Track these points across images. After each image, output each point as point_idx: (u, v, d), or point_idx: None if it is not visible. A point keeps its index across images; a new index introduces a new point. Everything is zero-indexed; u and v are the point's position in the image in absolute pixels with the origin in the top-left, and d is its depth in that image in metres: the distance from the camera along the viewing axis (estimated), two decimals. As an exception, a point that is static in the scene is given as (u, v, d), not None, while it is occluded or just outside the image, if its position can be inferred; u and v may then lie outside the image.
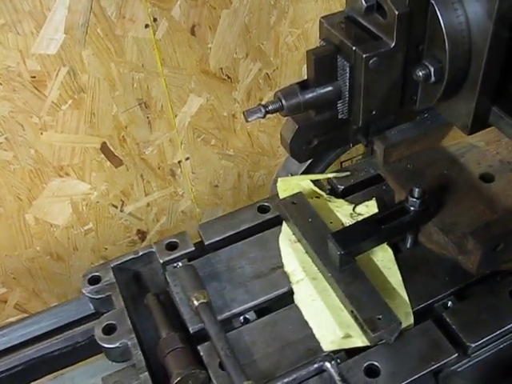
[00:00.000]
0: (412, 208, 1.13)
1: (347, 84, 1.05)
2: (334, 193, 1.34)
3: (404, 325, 1.06)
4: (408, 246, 1.22)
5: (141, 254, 1.23)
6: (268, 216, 1.29)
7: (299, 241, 1.21)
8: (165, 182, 1.97)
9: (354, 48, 0.99)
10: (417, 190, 1.11)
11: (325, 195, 1.32)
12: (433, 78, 0.99)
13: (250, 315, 1.14)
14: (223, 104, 1.88)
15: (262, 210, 1.31)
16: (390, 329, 1.03)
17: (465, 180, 1.23)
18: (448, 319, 1.08)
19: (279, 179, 1.35)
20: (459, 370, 1.07)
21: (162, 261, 1.20)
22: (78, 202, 1.84)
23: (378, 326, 1.02)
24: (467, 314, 1.09)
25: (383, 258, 1.18)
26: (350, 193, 1.34)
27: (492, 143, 1.30)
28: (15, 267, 1.87)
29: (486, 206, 1.17)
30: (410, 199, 1.12)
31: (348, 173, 1.37)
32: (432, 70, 0.99)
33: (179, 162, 1.95)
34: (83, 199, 1.84)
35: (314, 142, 1.17)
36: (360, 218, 1.24)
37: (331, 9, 1.89)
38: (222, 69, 1.80)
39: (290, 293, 1.15)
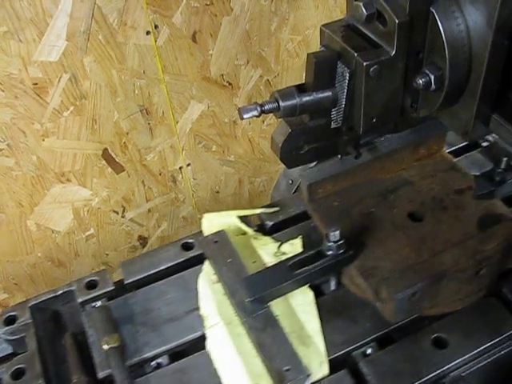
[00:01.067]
0: (329, 252, 1.07)
1: (344, 91, 1.05)
2: (262, 229, 1.29)
3: (318, 375, 1.01)
4: (331, 288, 1.16)
5: (60, 292, 1.18)
6: (191, 254, 1.23)
7: (219, 281, 1.16)
8: (166, 188, 1.98)
9: (355, 55, 0.99)
10: (332, 233, 1.05)
11: (251, 232, 1.25)
12: (433, 86, 1.00)
13: (164, 359, 1.09)
14: (224, 110, 1.88)
15: (186, 247, 1.26)
16: (297, 381, 0.99)
17: (392, 219, 1.15)
18: (364, 369, 1.02)
19: (204, 215, 1.29)
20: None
21: (80, 300, 1.16)
22: (80, 208, 1.84)
23: (286, 378, 0.98)
24: (385, 364, 1.03)
25: (303, 301, 1.12)
26: (280, 229, 1.28)
27: (427, 178, 1.24)
28: (16, 273, 1.88)
29: (412, 248, 1.09)
30: (326, 243, 1.06)
31: (277, 208, 1.31)
32: (432, 77, 0.99)
33: (180, 168, 1.95)
34: (84, 205, 1.84)
35: (304, 148, 1.16)
36: (284, 257, 1.17)
37: (332, 16, 1.90)
38: (223, 75, 1.80)
39: (204, 337, 1.10)
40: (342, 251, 1.06)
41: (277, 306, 1.09)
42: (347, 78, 1.03)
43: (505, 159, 1.19)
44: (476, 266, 1.03)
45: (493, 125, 1.05)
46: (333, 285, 1.16)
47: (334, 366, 1.03)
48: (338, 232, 1.05)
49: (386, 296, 1.00)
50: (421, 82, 1.00)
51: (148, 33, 1.59)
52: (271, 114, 1.06)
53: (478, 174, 1.25)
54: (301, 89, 1.06)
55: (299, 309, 1.11)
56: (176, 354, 1.10)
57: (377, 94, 1.04)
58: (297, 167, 1.22)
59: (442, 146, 1.31)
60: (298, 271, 1.06)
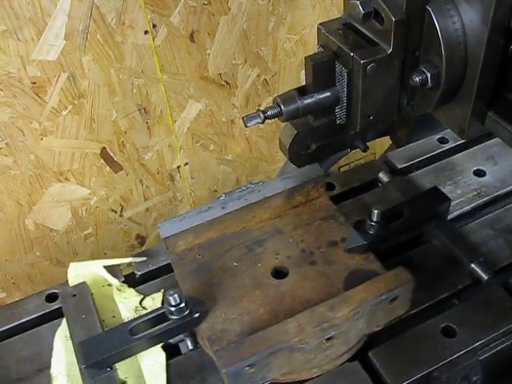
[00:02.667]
0: (171, 316, 1.00)
1: (345, 89, 1.06)
2: (131, 279, 1.22)
3: None
4: (189, 347, 1.09)
5: None
6: (55, 305, 1.16)
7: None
8: (164, 186, 1.98)
9: (351, 54, 1.00)
10: (171, 297, 0.98)
11: (117, 283, 1.19)
12: (429, 84, 1.00)
13: None
14: (222, 109, 1.89)
15: (51, 298, 1.19)
16: None
17: (253, 275, 1.08)
18: None
19: (71, 264, 1.21)
20: None
21: None
22: (78, 207, 1.85)
23: None
24: None
25: (154, 362, 1.05)
26: (148, 279, 1.22)
27: (300, 227, 1.16)
28: (15, 272, 1.88)
29: (267, 309, 1.02)
30: (167, 307, 1.00)
31: (145, 258, 1.24)
32: (429, 75, 1.00)
33: (178, 167, 1.96)
34: (83, 204, 1.85)
35: (312, 146, 1.18)
36: (144, 312, 1.12)
37: (329, 15, 1.91)
38: (220, 74, 1.81)
39: None
40: (185, 314, 1.00)
41: (126, 367, 1.03)
42: (345, 77, 1.04)
43: (376, 212, 1.11)
44: (321, 335, 0.95)
45: (488, 122, 1.06)
46: (189, 344, 1.09)
47: None
48: (176, 295, 0.99)
49: (220, 367, 0.92)
50: (417, 79, 1.01)
51: (146, 32, 1.60)
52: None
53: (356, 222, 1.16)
54: (302, 91, 1.08)
55: (148, 370, 1.05)
56: None
57: (374, 92, 1.05)
58: (305, 166, 1.21)
59: (322, 190, 1.23)
60: (139, 335, 1.00)
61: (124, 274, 1.22)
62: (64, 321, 1.12)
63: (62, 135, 1.67)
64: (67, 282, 1.17)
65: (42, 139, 1.65)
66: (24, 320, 1.15)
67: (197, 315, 1.00)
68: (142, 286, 1.20)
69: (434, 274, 1.17)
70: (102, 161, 1.78)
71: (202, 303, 1.03)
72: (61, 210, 1.82)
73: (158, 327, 1.00)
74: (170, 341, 1.08)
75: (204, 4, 1.62)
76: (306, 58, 1.06)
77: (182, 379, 1.03)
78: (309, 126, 1.13)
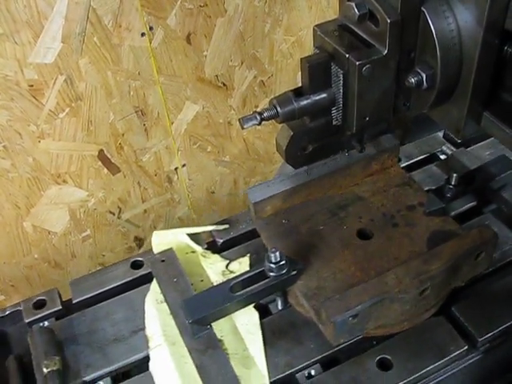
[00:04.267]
0: (271, 273, 1.06)
1: (341, 91, 1.07)
2: (213, 246, 1.28)
3: None
4: (279, 307, 1.16)
5: (8, 312, 1.19)
6: (141, 272, 1.23)
7: (165, 301, 1.15)
8: (162, 188, 1.99)
9: (347, 55, 1.01)
10: (273, 254, 1.04)
11: (200, 250, 1.24)
12: (425, 85, 1.02)
13: (106, 382, 1.09)
14: (219, 111, 1.90)
15: (136, 265, 1.26)
16: None
17: (340, 237, 1.15)
18: None
19: (154, 233, 1.28)
20: None
21: (27, 320, 1.16)
22: (76, 209, 1.85)
23: None
24: None
25: (248, 321, 1.12)
26: (230, 246, 1.28)
27: (379, 194, 1.24)
28: (13, 275, 1.88)
29: (358, 268, 1.09)
30: (267, 264, 1.06)
31: (227, 226, 1.30)
32: (424, 76, 1.01)
33: (176, 168, 1.96)
34: (81, 206, 1.85)
35: (308, 148, 1.18)
36: (232, 275, 1.16)
37: (325, 16, 1.91)
38: (217, 76, 1.81)
39: (148, 358, 1.10)
40: (283, 272, 1.05)
41: (221, 327, 1.08)
42: (341, 78, 1.05)
43: (455, 175, 1.22)
44: (420, 286, 1.01)
45: (484, 122, 1.07)
46: (279, 304, 1.15)
47: None
48: (278, 253, 1.04)
49: (325, 319, 0.98)
50: (413, 80, 1.02)
51: (143, 34, 1.60)
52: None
53: (431, 188, 1.28)
54: (298, 93, 1.09)
55: (244, 329, 1.10)
56: (119, 376, 1.09)
57: (369, 93, 1.06)
58: (302, 167, 1.24)
59: (396, 160, 1.30)
60: (239, 293, 1.05)
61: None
62: (153, 286, 1.18)
63: (60, 138, 1.67)
64: (149, 251, 1.24)
65: (39, 142, 1.65)
66: (113, 286, 1.22)
67: (294, 273, 1.06)
68: (224, 253, 1.26)
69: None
70: (100, 163, 1.78)
71: (299, 262, 1.08)
72: (59, 213, 1.83)
73: (257, 285, 1.05)
74: (261, 301, 1.14)
75: (200, 6, 1.63)
76: (301, 59, 1.07)
77: (276, 336, 1.10)
78: (305, 127, 1.14)
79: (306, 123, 1.14)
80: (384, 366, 1.05)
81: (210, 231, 1.30)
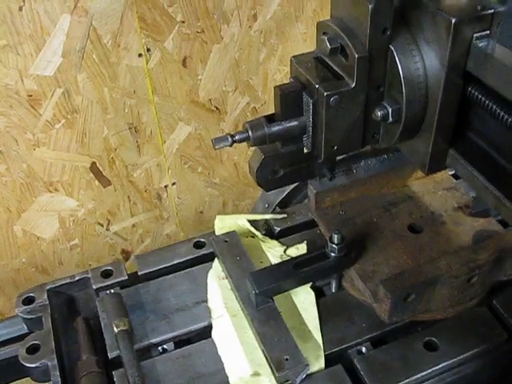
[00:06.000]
0: (332, 253, 1.15)
1: (311, 119, 1.12)
2: (270, 234, 1.37)
3: (314, 368, 1.08)
4: (332, 290, 1.24)
5: (77, 278, 1.27)
6: (202, 252, 1.32)
7: (226, 278, 1.24)
8: (151, 204, 2.05)
9: (316, 86, 1.06)
10: (336, 236, 1.13)
11: (259, 235, 1.34)
12: (390, 119, 1.06)
13: (169, 346, 1.16)
14: (211, 134, 1.96)
15: (198, 245, 1.34)
16: (296, 370, 1.05)
17: (393, 229, 1.24)
18: (358, 365, 1.09)
19: (217, 217, 1.37)
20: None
21: (95, 287, 1.24)
22: (66, 218, 1.91)
23: (284, 366, 1.05)
24: (378, 362, 1.09)
25: (305, 300, 1.20)
26: (286, 235, 1.36)
27: (428, 195, 1.33)
28: (0, 276, 1.94)
29: (409, 257, 1.18)
30: (330, 245, 1.14)
31: (285, 215, 1.40)
32: (390, 110, 1.05)
33: (166, 186, 2.02)
34: (71, 215, 1.91)
35: (279, 172, 1.23)
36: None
37: (321, 50, 1.98)
38: (210, 100, 1.89)
39: (210, 327, 1.17)
40: (343, 254, 1.15)
41: (280, 303, 1.16)
42: (311, 107, 1.10)
43: None
44: (468, 272, 1.10)
45: (449, 160, 1.11)
46: (334, 287, 1.25)
47: (330, 361, 1.10)
48: (340, 235, 1.14)
49: (382, 295, 1.07)
50: (379, 114, 1.07)
51: (140, 55, 1.68)
52: None
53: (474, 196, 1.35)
54: (270, 119, 1.14)
55: (301, 307, 1.19)
56: (182, 342, 1.18)
57: (337, 124, 1.10)
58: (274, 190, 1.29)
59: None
60: (302, 270, 1.15)
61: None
62: (215, 263, 1.27)
63: (54, 147, 1.74)
64: (211, 233, 1.33)
65: (34, 149, 1.72)
66: (177, 262, 1.30)
67: (353, 256, 1.16)
68: (282, 240, 1.34)
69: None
70: (92, 175, 1.85)
71: (357, 246, 1.18)
72: (49, 220, 1.89)
73: (318, 264, 1.14)
74: (317, 284, 1.24)
75: (197, 32, 1.71)
76: (274, 87, 1.12)
77: (331, 315, 1.18)
78: (276, 152, 1.19)
79: (278, 148, 1.19)
80: (430, 347, 1.12)
81: (267, 220, 1.39)
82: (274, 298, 1.17)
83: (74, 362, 1.12)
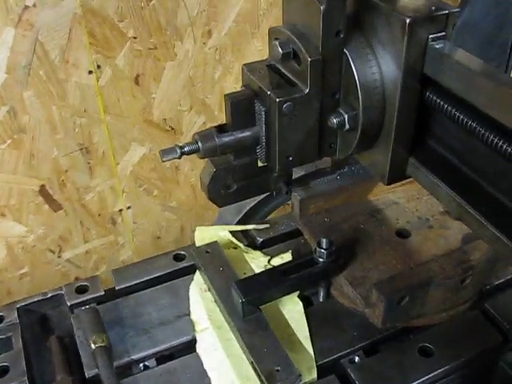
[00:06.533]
0: (320, 259, 1.13)
1: (264, 129, 1.07)
2: (252, 245, 1.35)
3: (306, 379, 1.05)
4: (320, 299, 1.22)
5: (50, 295, 1.22)
6: (183, 264, 1.29)
7: (209, 290, 1.21)
8: (105, 230, 1.96)
9: (268, 93, 1.02)
10: (324, 240, 1.12)
11: (242, 246, 1.32)
12: (347, 126, 1.02)
13: (151, 363, 1.12)
14: (167, 155, 1.90)
15: (178, 258, 1.31)
16: (288, 381, 1.01)
17: (380, 235, 1.24)
18: (352, 374, 1.06)
19: (197, 228, 1.35)
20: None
21: (69, 304, 1.19)
22: (14, 245, 1.82)
23: (276, 378, 1.01)
24: (372, 370, 1.07)
25: (292, 310, 1.18)
26: (269, 245, 1.35)
27: (412, 200, 1.33)
28: None
29: (399, 261, 1.17)
30: (318, 250, 1.12)
31: (267, 225, 1.38)
32: (346, 117, 1.02)
33: (120, 210, 1.95)
34: (19, 242, 1.82)
35: (233, 186, 1.18)
36: None
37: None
38: (165, 120, 1.83)
39: (194, 341, 1.13)
40: (332, 259, 1.12)
41: (267, 314, 1.12)
42: (263, 116, 1.05)
43: None
44: (462, 273, 1.09)
45: (410, 169, 1.07)
46: (322, 296, 1.22)
47: (323, 371, 1.08)
48: (328, 240, 1.12)
49: (375, 299, 1.04)
50: (335, 121, 1.03)
51: (90, 72, 1.62)
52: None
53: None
54: (221, 129, 1.09)
55: (289, 317, 1.17)
56: (164, 357, 1.13)
57: (291, 132, 1.06)
58: (228, 205, 1.25)
59: None
60: (290, 277, 1.11)
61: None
62: (196, 276, 1.24)
63: (0, 169, 1.66)
64: (191, 245, 1.30)
65: (-22, 172, 1.64)
66: (156, 275, 1.26)
67: (342, 261, 1.13)
68: (265, 250, 1.33)
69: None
70: (41, 198, 1.77)
71: (345, 252, 1.16)
72: (-5, 247, 1.79)
73: (307, 270, 1.12)
74: (304, 293, 1.21)
75: (150, 49, 1.66)
76: (225, 95, 1.08)
77: (320, 324, 1.16)
78: (229, 164, 1.14)
79: (230, 161, 1.13)
80: (425, 353, 1.10)
81: (249, 230, 1.37)
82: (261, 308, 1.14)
83: (49, 383, 1.07)
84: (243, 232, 1.39)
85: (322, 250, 1.12)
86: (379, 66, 0.99)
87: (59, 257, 1.93)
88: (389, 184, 1.13)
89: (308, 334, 1.14)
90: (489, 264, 1.15)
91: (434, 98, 0.98)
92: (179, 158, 1.08)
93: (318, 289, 1.22)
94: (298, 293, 1.20)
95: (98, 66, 1.62)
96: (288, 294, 1.15)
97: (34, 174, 1.71)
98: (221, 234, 1.34)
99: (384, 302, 1.03)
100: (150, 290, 1.24)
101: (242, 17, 1.74)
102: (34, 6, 1.45)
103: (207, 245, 1.27)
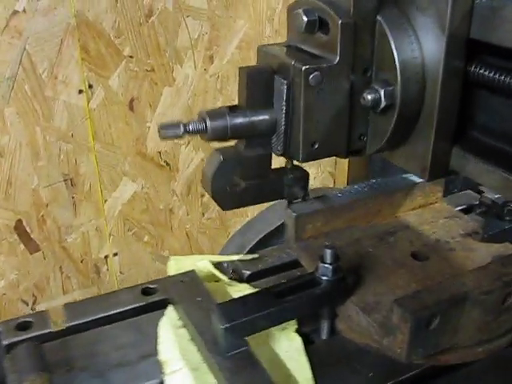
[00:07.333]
0: (323, 277, 0.92)
1: (283, 109, 0.92)
2: (238, 279, 1.16)
3: None
4: (324, 336, 0.99)
5: None
6: (152, 299, 1.09)
7: (184, 326, 1.02)
8: (88, 279, 1.76)
9: (292, 62, 0.88)
10: (329, 252, 0.91)
11: (225, 279, 1.13)
12: (383, 103, 0.88)
13: None
14: (160, 195, 1.74)
15: (147, 292, 1.11)
16: None
17: (393, 258, 1.06)
18: None
19: (171, 258, 1.18)
20: None
21: (6, 342, 0.98)
22: (-19, 292, 1.60)
23: None
24: None
25: (289, 348, 0.97)
26: (257, 279, 1.16)
27: (427, 224, 1.17)
28: None
29: (419, 284, 0.99)
30: (321, 266, 0.92)
31: (256, 255, 1.19)
32: (382, 92, 0.87)
33: (106, 257, 1.75)
34: (-13, 288, 1.61)
35: (241, 184, 1.00)
36: None
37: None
38: (160, 153, 1.68)
39: None
40: (338, 277, 0.91)
41: (258, 352, 0.90)
42: (285, 91, 0.91)
43: None
44: (503, 288, 0.90)
45: (454, 160, 0.93)
46: (325, 332, 0.99)
47: None
48: (334, 251, 0.90)
49: (398, 320, 0.84)
50: (369, 97, 0.88)
51: (81, 91, 1.49)
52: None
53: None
54: (233, 109, 0.95)
55: (285, 356, 0.95)
56: None
57: (318, 110, 0.90)
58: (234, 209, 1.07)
59: (440, 195, 1.23)
60: (286, 299, 0.90)
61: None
62: (168, 311, 1.04)
63: (-28, 199, 1.48)
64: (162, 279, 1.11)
65: None
66: (119, 311, 1.06)
67: (350, 280, 0.93)
68: (253, 283, 1.12)
69: None
70: (16, 236, 1.57)
71: (354, 273, 0.97)
72: (-40, 293, 1.58)
73: (308, 291, 0.91)
74: (302, 330, 0.98)
75: (147, 70, 1.54)
76: (240, 68, 0.93)
77: (325, 365, 0.95)
78: (238, 156, 0.98)
79: (240, 152, 0.97)
80: None
81: (234, 262, 1.17)
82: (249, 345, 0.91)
83: None
84: (226, 264, 1.18)
85: (326, 266, 0.92)
86: (417, 36, 0.86)
87: (33, 310, 1.71)
88: (430, 180, 0.97)
89: (311, 374, 0.92)
90: None
91: (481, 70, 0.85)
92: (181, 136, 0.91)
93: (320, 323, 0.99)
94: (295, 327, 0.99)
95: (90, 86, 1.49)
96: (283, 321, 0.94)
97: (10, 207, 1.53)
98: (199, 264, 1.14)
99: (409, 322, 0.83)
100: (109, 326, 1.04)
101: (246, 43, 1.64)
102: (24, 11, 1.33)
103: (183, 274, 1.08)
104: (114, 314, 1.05)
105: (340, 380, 0.91)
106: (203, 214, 1.83)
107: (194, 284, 1.04)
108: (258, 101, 0.93)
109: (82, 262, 1.71)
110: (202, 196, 1.79)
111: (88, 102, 1.50)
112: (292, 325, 0.98)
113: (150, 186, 1.70)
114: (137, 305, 1.06)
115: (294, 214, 1.06)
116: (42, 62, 1.40)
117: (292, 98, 0.91)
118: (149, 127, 1.62)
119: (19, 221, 1.56)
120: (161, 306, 1.05)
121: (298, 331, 0.98)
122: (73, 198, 1.60)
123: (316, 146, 0.94)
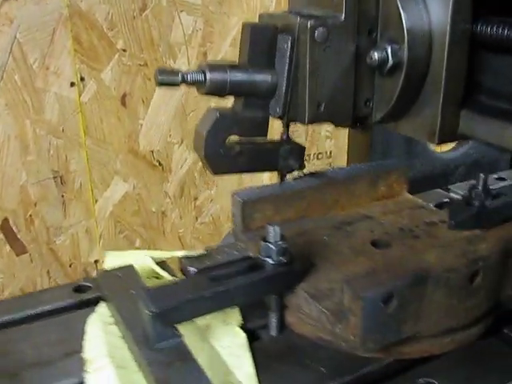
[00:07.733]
0: (267, 259, 0.82)
1: (286, 69, 0.90)
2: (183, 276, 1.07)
3: None
4: (273, 332, 0.90)
5: None
6: (85, 296, 1.01)
7: (116, 323, 0.93)
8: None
9: (298, 19, 0.86)
10: (272, 229, 0.81)
11: (166, 276, 1.04)
12: (390, 62, 0.86)
13: None
14: (152, 196, 1.69)
15: (80, 290, 1.03)
16: None
17: (351, 246, 0.98)
18: None
19: (107, 253, 1.10)
20: None
21: None
22: (-36, 297, 1.53)
23: None
24: None
25: (231, 343, 0.88)
26: None
27: (390, 214, 1.09)
28: None
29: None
30: (264, 245, 0.82)
31: (202, 251, 1.08)
32: (389, 49, 0.85)
33: (96, 261, 1.69)
34: (-30, 293, 1.53)
35: (235, 148, 0.96)
36: None
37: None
38: (153, 152, 1.64)
39: None
40: (285, 261, 0.82)
41: (196, 347, 0.82)
42: (289, 48, 0.88)
43: (482, 176, 1.00)
44: (469, 265, 0.82)
45: (463, 122, 0.90)
46: (273, 327, 0.89)
47: None
48: (278, 227, 0.81)
49: (349, 301, 0.75)
50: (376, 55, 0.86)
51: (72, 84, 1.45)
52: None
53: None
54: (234, 66, 0.92)
55: (225, 352, 0.86)
56: None
57: (324, 69, 0.88)
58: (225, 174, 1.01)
59: (404, 185, 1.16)
60: (221, 282, 0.80)
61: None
62: (99, 307, 0.96)
63: (-43, 195, 1.42)
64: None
65: None
66: (46, 308, 0.98)
67: (298, 265, 0.83)
68: None
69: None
70: (2, 236, 1.51)
71: (304, 258, 0.87)
72: None
73: (250, 275, 0.81)
74: (248, 326, 0.89)
75: (140, 65, 1.51)
76: (243, 23, 0.90)
77: (273, 360, 0.85)
78: (235, 115, 0.93)
79: (238, 112, 0.93)
80: None
81: (180, 258, 1.06)
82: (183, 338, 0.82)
83: None
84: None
85: (271, 246, 0.82)
86: (422, -4, 0.86)
87: (19, 317, 1.62)
88: (439, 144, 0.93)
89: (253, 370, 0.83)
90: (504, 260, 0.87)
91: (488, 28, 0.84)
92: (178, 84, 0.87)
93: (269, 317, 0.90)
94: (240, 322, 0.90)
95: (82, 78, 1.45)
96: (218, 308, 0.84)
97: (-3, 204, 1.47)
98: (140, 260, 1.05)
99: (361, 300, 0.74)
100: (34, 324, 0.96)
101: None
102: (15, -2, 1.30)
103: (119, 269, 0.99)
104: (42, 312, 0.97)
105: (288, 376, 0.83)
106: (196, 219, 1.78)
107: (130, 279, 0.96)
108: (260, 58, 0.90)
109: (70, 266, 1.64)
110: (195, 199, 1.75)
111: (79, 95, 1.47)
112: (236, 319, 0.90)
113: (141, 186, 1.65)
114: (66, 302, 0.99)
115: (241, 201, 1.00)
116: (33, 51, 1.37)
117: (297, 57, 0.88)
118: (141, 124, 1.58)
119: (6, 220, 1.50)
120: (95, 303, 0.97)
121: (243, 327, 0.90)
122: (62, 196, 1.55)
123: (322, 108, 0.91)
